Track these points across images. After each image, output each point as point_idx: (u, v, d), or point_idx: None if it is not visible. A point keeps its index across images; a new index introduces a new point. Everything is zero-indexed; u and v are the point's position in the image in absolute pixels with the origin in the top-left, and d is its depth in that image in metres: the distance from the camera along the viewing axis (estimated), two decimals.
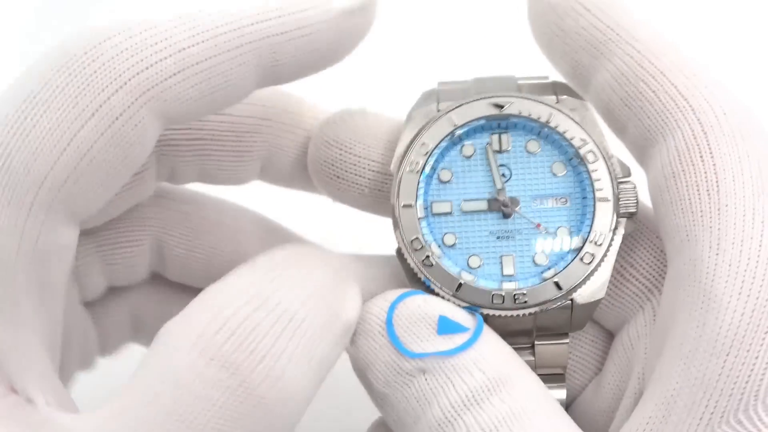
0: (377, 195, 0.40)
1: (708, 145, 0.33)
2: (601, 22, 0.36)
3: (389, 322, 0.35)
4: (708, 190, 0.33)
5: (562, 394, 0.38)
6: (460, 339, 0.34)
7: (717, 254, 0.32)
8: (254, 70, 0.33)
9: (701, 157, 0.33)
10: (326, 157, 0.40)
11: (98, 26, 0.32)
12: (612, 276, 0.37)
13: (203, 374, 0.30)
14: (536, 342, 0.38)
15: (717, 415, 0.31)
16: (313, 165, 0.40)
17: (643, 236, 0.38)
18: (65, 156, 0.31)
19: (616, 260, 0.37)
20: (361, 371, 0.36)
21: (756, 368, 0.31)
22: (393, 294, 0.35)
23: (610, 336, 0.40)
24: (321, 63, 0.36)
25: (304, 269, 0.34)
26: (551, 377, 0.38)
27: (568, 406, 0.41)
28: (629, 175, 0.36)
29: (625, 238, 0.37)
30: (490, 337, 0.35)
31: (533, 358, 0.38)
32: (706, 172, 0.33)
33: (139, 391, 0.31)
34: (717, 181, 0.33)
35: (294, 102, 0.42)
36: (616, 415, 0.37)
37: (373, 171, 0.39)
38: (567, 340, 0.38)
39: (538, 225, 0.37)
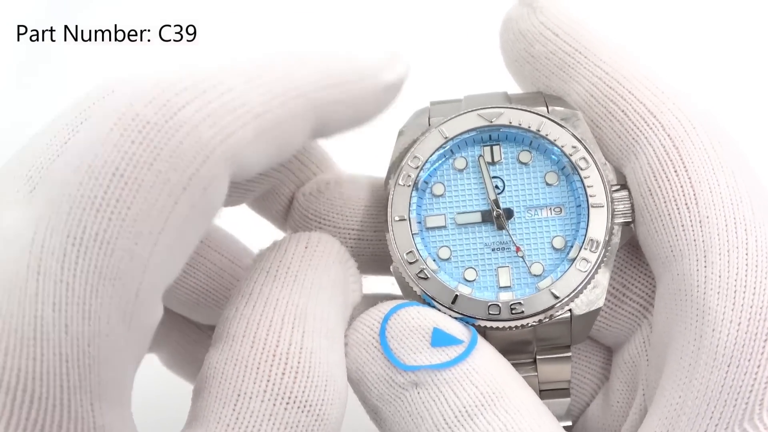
0: (363, 260, 0.39)
1: (681, 158, 0.34)
2: (568, 46, 0.37)
3: (382, 334, 0.34)
4: (687, 204, 0.33)
5: (566, 408, 0.38)
6: (454, 352, 0.34)
7: (705, 267, 0.32)
8: (310, 131, 0.33)
9: (675, 171, 0.33)
10: (306, 231, 0.39)
11: (163, 79, 0.29)
12: (607, 297, 0.37)
13: (280, 415, 0.32)
14: (538, 357, 0.37)
15: (722, 426, 0.31)
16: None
17: (633, 257, 0.38)
18: (163, 236, 0.28)
19: (610, 282, 0.37)
20: (355, 383, 0.35)
21: (759, 376, 0.31)
22: (387, 305, 0.35)
23: (608, 350, 0.40)
24: (355, 126, 0.35)
25: (320, 270, 0.34)
26: (555, 392, 0.38)
27: (574, 422, 0.40)
28: (625, 183, 0.36)
29: (622, 249, 0.37)
30: (484, 350, 0.34)
31: (536, 374, 0.37)
32: (682, 186, 0.33)
33: None
34: (694, 194, 0.33)
35: (311, 153, 0.42)
36: (622, 430, 0.37)
37: (354, 239, 0.39)
38: (569, 354, 0.37)
39: (518, 249, 0.36)
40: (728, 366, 0.31)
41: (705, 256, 0.32)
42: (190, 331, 0.45)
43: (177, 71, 0.29)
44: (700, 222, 0.33)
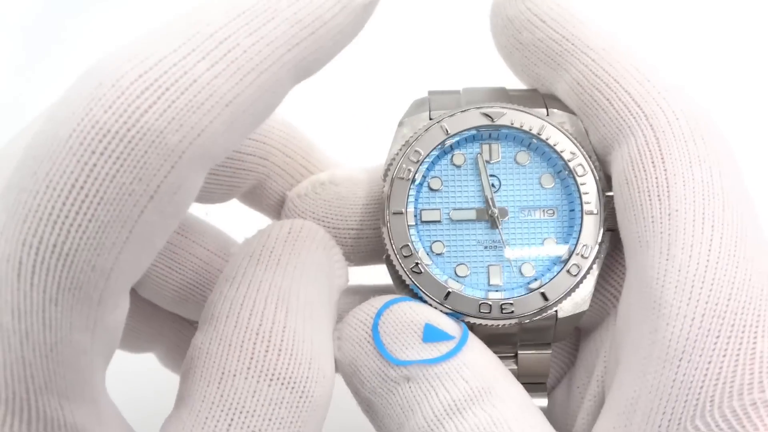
0: (361, 255, 0.40)
1: (660, 150, 0.33)
2: (557, 34, 0.36)
3: (375, 329, 0.35)
4: (659, 196, 0.33)
5: (543, 402, 0.39)
6: (445, 347, 0.34)
7: (667, 260, 0.32)
8: (290, 85, 0.31)
9: (653, 162, 0.33)
10: None
11: (122, 77, 0.27)
12: None
13: (263, 392, 0.31)
14: (519, 351, 0.38)
15: (674, 422, 0.31)
16: None
17: (613, 248, 0.38)
18: (128, 244, 0.27)
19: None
20: (348, 377, 0.35)
21: (710, 373, 0.30)
22: (380, 300, 0.35)
23: (578, 338, 0.40)
24: (335, 55, 0.33)
25: (303, 254, 0.34)
26: (533, 386, 0.38)
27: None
28: None
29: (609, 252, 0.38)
30: (475, 346, 0.35)
31: (516, 366, 0.38)
32: (657, 178, 0.33)
33: None
34: (668, 187, 0.33)
35: (296, 145, 0.41)
36: (578, 417, 0.37)
37: (353, 238, 0.39)
38: (549, 351, 0.38)
39: (506, 250, 0.37)
40: (680, 361, 0.31)
41: (668, 249, 0.32)
42: (183, 328, 0.45)
43: (137, 64, 0.27)
44: (669, 215, 0.32)
